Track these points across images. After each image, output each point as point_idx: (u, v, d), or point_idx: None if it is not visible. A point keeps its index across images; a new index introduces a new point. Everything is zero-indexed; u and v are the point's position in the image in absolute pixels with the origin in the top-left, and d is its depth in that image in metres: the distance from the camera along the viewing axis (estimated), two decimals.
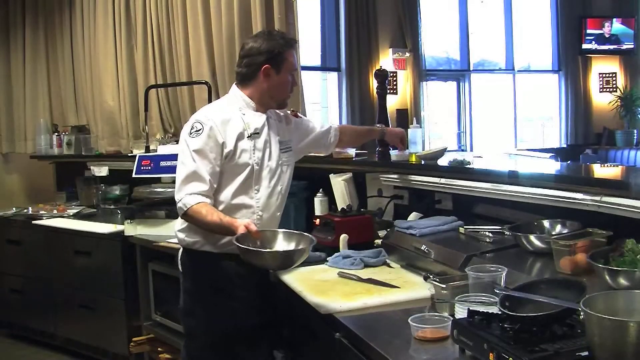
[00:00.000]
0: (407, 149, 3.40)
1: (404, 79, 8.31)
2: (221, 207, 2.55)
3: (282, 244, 2.41)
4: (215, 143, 2.52)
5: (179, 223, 2.65)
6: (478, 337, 1.65)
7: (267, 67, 2.58)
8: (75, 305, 4.65)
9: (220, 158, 2.53)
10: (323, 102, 8.38)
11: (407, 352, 1.82)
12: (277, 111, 2.81)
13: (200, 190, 2.48)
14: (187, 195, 2.48)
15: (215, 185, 2.53)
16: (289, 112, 2.93)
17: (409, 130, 3.52)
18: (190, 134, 2.54)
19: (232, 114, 2.60)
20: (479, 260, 2.32)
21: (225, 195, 2.57)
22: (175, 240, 3.47)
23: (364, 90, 7.95)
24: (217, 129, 2.53)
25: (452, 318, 1.87)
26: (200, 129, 2.53)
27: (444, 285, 2.10)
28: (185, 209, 2.48)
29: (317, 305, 2.31)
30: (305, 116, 4.36)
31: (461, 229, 2.78)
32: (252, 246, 2.30)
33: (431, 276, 2.24)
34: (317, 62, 8.27)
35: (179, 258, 2.72)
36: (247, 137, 2.58)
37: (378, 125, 3.43)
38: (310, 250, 2.41)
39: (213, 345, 2.61)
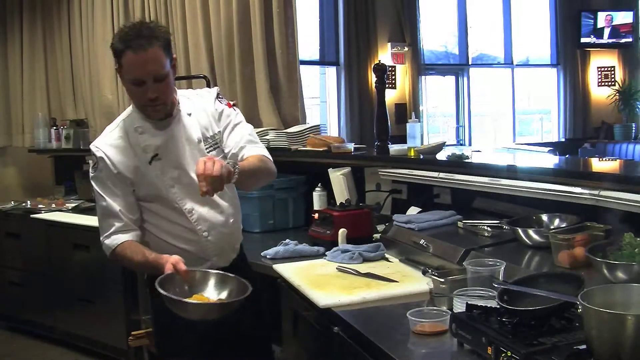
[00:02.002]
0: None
1: (403, 74, 8.30)
2: (165, 239, 2.30)
3: (212, 291, 2.11)
4: (111, 175, 2.24)
5: None
6: (476, 331, 1.65)
7: (117, 68, 2.19)
8: (74, 298, 4.65)
9: (127, 187, 2.25)
10: (322, 96, 8.37)
11: (405, 346, 1.83)
12: (201, 100, 2.38)
13: (117, 228, 2.24)
14: (106, 239, 2.27)
15: (134, 216, 2.27)
16: (219, 97, 2.41)
17: (407, 124, 3.52)
18: (91, 168, 2.30)
19: (124, 138, 2.26)
20: (478, 255, 2.32)
21: (160, 227, 2.31)
22: None
23: (363, 84, 7.94)
24: (108, 160, 2.23)
25: (450, 312, 1.88)
26: (95, 163, 2.26)
27: (442, 280, 2.10)
28: (108, 252, 2.28)
29: (315, 299, 2.31)
30: (305, 113, 4.37)
31: (460, 223, 2.79)
32: (179, 289, 2.04)
33: (430, 270, 2.24)
34: (316, 56, 8.25)
35: (146, 282, 2.49)
36: (148, 163, 2.25)
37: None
38: (243, 301, 2.04)
39: None
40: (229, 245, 2.44)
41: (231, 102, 2.46)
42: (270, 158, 2.40)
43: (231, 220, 2.42)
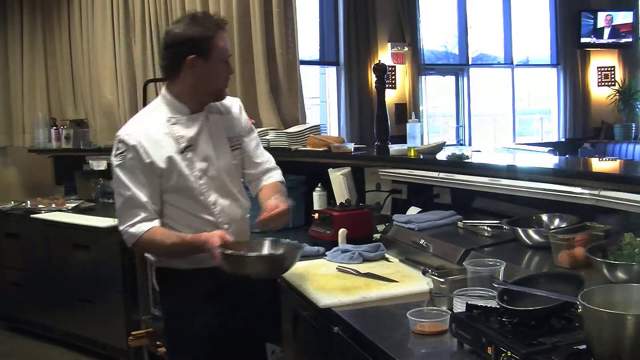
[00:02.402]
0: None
1: (403, 74, 8.30)
2: (182, 229, 2.32)
3: (269, 250, 2.28)
4: (142, 164, 2.24)
5: None
6: (476, 331, 1.65)
7: (193, 58, 2.24)
8: (74, 298, 4.65)
9: (155, 178, 2.26)
10: (322, 96, 8.37)
11: (405, 346, 1.83)
12: (228, 104, 2.49)
13: (142, 217, 2.24)
14: (130, 227, 2.25)
15: (157, 207, 2.28)
16: (233, 102, 2.54)
17: (407, 124, 3.52)
18: (116, 156, 2.27)
19: (158, 128, 2.30)
20: (478, 255, 2.32)
21: (185, 219, 2.33)
22: None
23: (363, 84, 7.94)
24: (142, 148, 2.24)
25: (450, 312, 1.88)
26: (123, 151, 2.25)
27: (442, 280, 2.10)
28: (132, 241, 2.26)
29: (315, 299, 2.31)
30: (305, 113, 4.38)
31: (460, 223, 2.79)
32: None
33: (430, 270, 2.24)
34: (316, 56, 8.25)
35: (154, 278, 2.53)
36: (180, 153, 2.29)
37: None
38: (299, 258, 2.26)
39: None
40: (243, 239, 2.45)
41: (251, 120, 2.65)
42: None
43: (247, 216, 2.53)
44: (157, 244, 2.26)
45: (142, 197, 2.25)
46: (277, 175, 2.61)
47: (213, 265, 2.19)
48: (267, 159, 2.61)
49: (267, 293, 2.66)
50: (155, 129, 2.30)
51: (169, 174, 2.28)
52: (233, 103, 2.52)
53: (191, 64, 2.25)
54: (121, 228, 2.29)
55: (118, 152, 2.27)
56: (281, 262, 2.22)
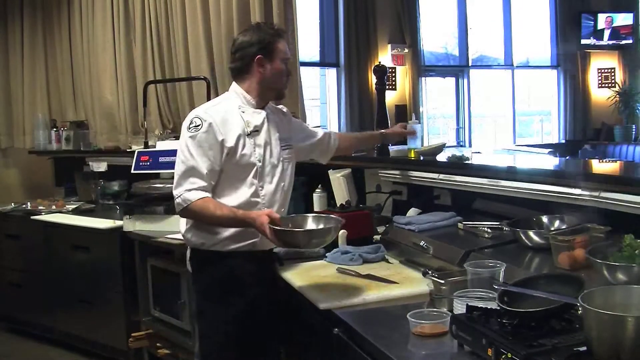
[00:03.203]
0: (414, 134, 3.35)
1: (403, 75, 8.31)
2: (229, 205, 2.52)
3: (312, 225, 2.47)
4: (214, 140, 2.47)
5: (184, 223, 2.61)
6: (476, 333, 1.65)
7: (259, 58, 2.57)
8: (74, 299, 4.65)
9: (220, 156, 2.49)
10: (322, 98, 8.37)
11: (405, 347, 1.83)
12: (278, 108, 2.80)
13: (199, 186, 2.45)
14: (187, 192, 2.45)
15: (213, 183, 2.50)
16: (287, 110, 2.90)
17: (407, 125, 3.52)
18: (189, 129, 2.50)
19: (231, 112, 2.57)
20: (478, 256, 2.32)
21: (230, 193, 2.53)
22: (173, 236, 3.47)
23: (363, 86, 7.95)
24: (217, 126, 2.48)
25: (450, 313, 1.88)
26: (199, 125, 2.49)
27: (442, 281, 2.10)
28: (184, 204, 2.45)
29: (315, 301, 2.31)
30: (305, 114, 4.39)
31: (460, 225, 2.79)
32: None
33: (430, 272, 2.24)
34: (316, 57, 8.26)
35: (188, 259, 2.68)
36: (247, 135, 2.54)
37: (378, 130, 3.36)
38: (339, 229, 2.50)
39: (226, 346, 2.56)
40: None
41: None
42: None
43: (282, 210, 2.67)
44: (209, 212, 2.45)
45: (204, 169, 2.46)
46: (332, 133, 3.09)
47: (246, 247, 2.51)
48: (318, 130, 3.04)
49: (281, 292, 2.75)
50: (228, 112, 2.56)
51: (234, 152, 2.51)
52: (285, 109, 2.85)
53: (259, 63, 2.58)
54: (176, 192, 2.49)
55: (193, 125, 2.50)
56: (324, 235, 2.40)
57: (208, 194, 2.47)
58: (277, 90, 2.68)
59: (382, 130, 3.30)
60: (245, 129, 2.55)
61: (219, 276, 2.56)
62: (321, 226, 2.43)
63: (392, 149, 3.57)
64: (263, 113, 2.63)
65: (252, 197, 2.54)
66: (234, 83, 2.68)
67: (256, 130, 2.57)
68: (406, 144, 3.41)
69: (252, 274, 2.56)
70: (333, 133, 3.06)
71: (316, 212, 2.64)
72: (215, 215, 2.45)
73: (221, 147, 2.48)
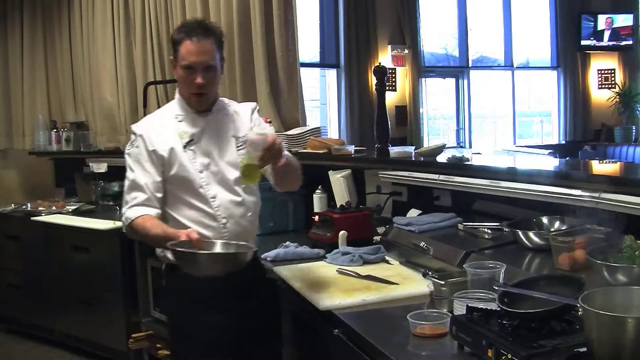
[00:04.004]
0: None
1: (403, 76, 8.31)
2: (185, 224, 2.39)
3: (220, 249, 2.30)
4: (147, 152, 2.40)
5: None
6: (477, 334, 1.65)
7: (172, 59, 2.47)
8: (74, 300, 4.65)
9: (159, 167, 2.40)
10: (322, 98, 8.38)
11: (405, 348, 1.83)
12: (230, 106, 2.59)
13: (140, 201, 2.36)
14: (128, 209, 2.37)
15: (159, 195, 2.40)
16: (250, 107, 2.64)
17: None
18: (128, 145, 2.48)
19: (165, 123, 2.47)
20: (478, 257, 2.32)
21: (183, 207, 2.43)
22: None
23: (363, 86, 7.95)
24: (147, 138, 2.41)
25: (450, 314, 1.88)
26: (133, 139, 2.45)
27: (442, 282, 2.10)
28: (127, 223, 2.37)
29: (316, 302, 2.31)
30: (305, 115, 4.37)
31: (460, 226, 2.78)
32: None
33: (430, 273, 2.25)
34: (316, 58, 8.26)
35: (164, 273, 2.59)
36: (183, 147, 2.42)
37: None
38: (251, 256, 2.24)
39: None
40: (244, 239, 2.46)
41: (267, 120, 2.73)
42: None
43: (249, 214, 2.54)
44: (146, 231, 2.33)
45: (142, 180, 2.39)
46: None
47: None
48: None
49: (273, 296, 2.70)
50: (162, 123, 2.48)
51: (170, 164, 2.41)
52: (245, 108, 2.65)
53: (173, 65, 2.48)
54: (122, 210, 2.43)
55: (130, 141, 2.47)
56: (232, 261, 2.25)
57: (149, 210, 2.36)
58: (188, 98, 2.47)
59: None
60: (180, 141, 2.43)
61: (191, 291, 2.42)
62: (230, 251, 2.27)
63: (392, 150, 3.57)
64: (206, 118, 2.49)
65: (207, 209, 2.42)
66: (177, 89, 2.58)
67: (192, 140, 2.44)
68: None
69: (223, 290, 2.41)
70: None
71: (227, 242, 2.35)
72: (150, 234, 2.32)
73: (155, 157, 2.40)
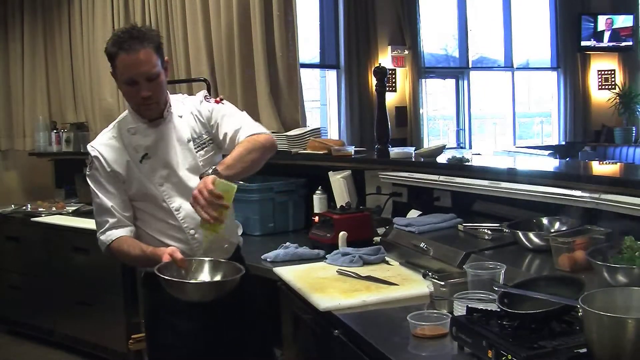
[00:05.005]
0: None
1: (403, 77, 8.31)
2: (156, 237, 2.36)
3: (207, 275, 2.21)
4: (105, 173, 2.32)
5: None
6: (477, 334, 1.65)
7: (111, 73, 2.31)
8: (74, 302, 4.65)
9: (121, 186, 2.33)
10: (322, 99, 8.38)
11: (405, 349, 1.83)
12: (184, 103, 2.45)
13: (111, 224, 2.31)
14: (101, 234, 2.33)
15: (127, 214, 2.34)
16: (206, 98, 2.46)
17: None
18: (87, 167, 2.38)
19: (118, 138, 2.36)
20: (478, 258, 2.32)
21: (150, 221, 2.37)
22: None
23: (363, 87, 7.95)
24: (102, 159, 2.32)
25: (450, 315, 1.88)
26: (90, 161, 2.35)
27: (442, 283, 2.10)
28: (103, 247, 2.35)
29: (316, 303, 2.31)
30: (305, 115, 4.37)
31: (460, 226, 2.78)
32: (177, 276, 2.12)
33: (430, 273, 2.25)
34: (316, 59, 8.26)
35: (141, 282, 2.57)
36: (139, 161, 2.33)
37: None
38: (238, 280, 2.15)
39: None
40: (217, 244, 2.39)
41: (219, 99, 2.49)
42: (265, 131, 2.38)
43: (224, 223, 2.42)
44: (125, 253, 2.31)
45: (108, 202, 2.32)
46: (244, 133, 2.33)
47: None
48: (227, 132, 2.38)
49: (262, 296, 2.65)
50: (116, 139, 2.37)
51: (130, 181, 2.34)
52: (191, 102, 2.46)
53: (113, 77, 2.31)
54: (97, 235, 2.37)
55: (88, 163, 2.38)
56: (219, 289, 2.17)
57: (122, 230, 2.32)
58: (136, 111, 2.34)
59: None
60: (135, 155, 2.33)
61: (164, 298, 2.26)
62: (218, 277, 2.19)
63: (393, 150, 3.57)
64: (159, 127, 2.35)
65: (172, 222, 2.35)
66: None
67: (147, 153, 2.33)
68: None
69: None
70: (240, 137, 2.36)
71: (214, 260, 2.25)
72: (130, 255, 2.30)
73: (115, 177, 2.33)
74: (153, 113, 2.33)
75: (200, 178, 2.13)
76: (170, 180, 2.35)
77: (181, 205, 2.35)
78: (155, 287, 2.33)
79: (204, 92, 2.52)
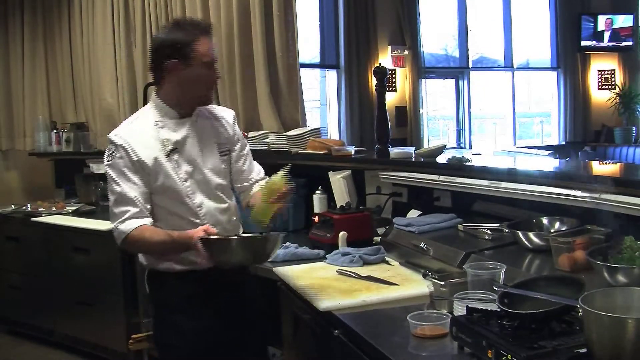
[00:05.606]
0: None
1: (403, 76, 8.31)
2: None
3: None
4: (131, 162, 2.29)
5: None
6: (477, 334, 1.65)
7: (174, 62, 2.29)
8: (75, 302, 4.65)
9: (145, 177, 2.30)
10: (322, 99, 8.37)
11: (405, 349, 1.83)
12: (213, 111, 2.52)
13: (132, 214, 2.28)
14: (120, 224, 2.29)
15: (148, 205, 2.32)
16: (229, 113, 2.58)
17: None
18: (107, 157, 2.35)
19: (146, 131, 2.35)
20: (478, 258, 2.32)
21: (168, 218, 2.36)
22: None
23: (363, 87, 7.95)
24: (130, 149, 2.29)
25: (450, 315, 1.88)
26: (113, 151, 2.32)
27: (442, 283, 2.10)
28: (121, 238, 2.29)
29: (316, 302, 2.31)
30: (305, 116, 4.38)
31: (460, 226, 2.78)
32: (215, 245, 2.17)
33: (430, 273, 2.25)
34: (316, 59, 8.26)
35: (145, 280, 2.52)
36: (166, 155, 2.33)
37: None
38: (280, 244, 2.30)
39: None
40: None
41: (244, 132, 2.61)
42: None
43: (234, 219, 2.50)
44: (145, 241, 2.29)
45: (131, 192, 2.29)
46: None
47: (204, 266, 2.24)
48: (257, 172, 2.62)
49: (262, 297, 2.65)
50: (143, 131, 2.35)
51: (156, 174, 2.32)
52: (227, 113, 2.57)
53: (172, 68, 2.30)
54: (112, 226, 2.34)
55: (108, 152, 2.35)
56: (262, 246, 2.23)
57: (143, 221, 2.29)
58: (199, 98, 2.41)
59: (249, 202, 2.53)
60: (163, 149, 2.33)
61: (170, 296, 2.40)
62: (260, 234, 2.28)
63: (393, 150, 3.57)
64: (187, 123, 2.39)
65: (194, 219, 2.35)
66: (153, 92, 2.47)
67: (176, 148, 2.35)
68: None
69: (209, 293, 2.37)
70: (256, 184, 2.57)
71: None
72: (152, 242, 2.28)
73: (141, 167, 2.30)
74: (211, 99, 2.45)
75: None
76: (194, 176, 2.37)
77: (203, 202, 2.37)
78: (160, 285, 2.41)
79: (234, 113, 2.62)
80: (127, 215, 2.28)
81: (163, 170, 2.32)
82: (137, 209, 2.29)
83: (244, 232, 2.54)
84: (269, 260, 2.39)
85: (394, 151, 3.54)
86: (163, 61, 2.30)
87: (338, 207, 3.35)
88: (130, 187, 2.29)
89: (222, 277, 2.33)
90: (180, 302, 2.37)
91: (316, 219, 3.33)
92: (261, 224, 2.35)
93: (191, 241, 2.18)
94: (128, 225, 2.28)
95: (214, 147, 2.44)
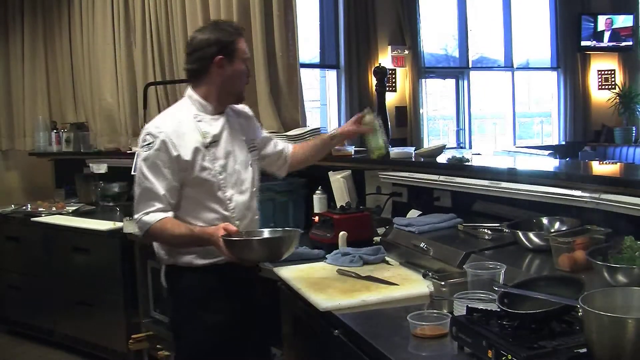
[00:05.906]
0: (370, 130, 2.87)
1: (403, 76, 8.31)
2: (197, 223, 2.40)
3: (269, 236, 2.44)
4: (168, 157, 2.34)
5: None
6: (477, 334, 1.65)
7: (220, 58, 2.41)
8: (74, 302, 4.65)
9: (177, 173, 2.35)
10: (322, 99, 8.38)
11: (405, 349, 1.82)
12: (238, 109, 2.65)
13: (158, 208, 2.34)
14: (144, 215, 2.34)
15: (173, 202, 2.37)
16: (249, 110, 2.74)
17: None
18: (142, 147, 2.38)
19: (186, 123, 2.42)
20: (478, 258, 2.32)
21: (198, 210, 2.42)
22: None
23: (363, 87, 7.95)
24: (170, 142, 2.34)
25: (450, 315, 1.88)
26: (151, 143, 2.35)
27: (442, 283, 2.10)
28: (145, 229, 2.35)
29: (316, 302, 2.31)
30: (305, 116, 4.38)
31: (460, 226, 2.78)
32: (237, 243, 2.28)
33: (430, 273, 2.24)
34: (316, 59, 8.26)
35: (163, 274, 2.57)
36: (205, 147, 2.40)
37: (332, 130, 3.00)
38: (298, 241, 2.40)
39: None
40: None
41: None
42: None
43: (256, 217, 2.62)
44: (167, 233, 2.35)
45: (161, 190, 2.34)
46: (291, 146, 2.89)
47: (221, 261, 2.35)
48: (275, 144, 2.82)
49: (263, 297, 2.68)
50: (182, 124, 2.42)
51: (193, 166, 2.38)
52: (245, 108, 2.70)
53: (218, 64, 2.42)
54: (136, 216, 2.39)
55: (145, 144, 2.37)
56: (279, 245, 2.35)
57: (167, 214, 2.35)
58: (237, 93, 2.53)
59: (331, 132, 2.94)
60: (202, 141, 2.41)
61: (192, 291, 2.45)
62: (277, 235, 2.42)
63: (392, 150, 3.57)
64: (222, 119, 2.50)
65: (223, 211, 2.43)
66: (189, 88, 2.53)
67: (215, 141, 2.44)
68: (366, 143, 3.00)
69: (226, 288, 2.44)
70: (286, 152, 2.82)
71: (272, 229, 2.56)
72: (173, 234, 2.34)
73: (177, 163, 2.35)
74: (244, 97, 2.58)
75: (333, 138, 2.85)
76: (227, 170, 2.46)
77: (233, 196, 2.46)
78: (179, 279, 2.48)
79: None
80: (153, 209, 2.35)
81: (199, 162, 2.39)
82: (163, 205, 2.36)
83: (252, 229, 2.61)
84: (285, 257, 2.46)
85: (394, 151, 3.54)
86: (208, 58, 2.41)
87: (338, 207, 3.35)
88: (160, 183, 2.35)
89: (240, 274, 2.43)
90: (202, 296, 2.44)
91: (316, 219, 3.33)
92: (382, 152, 2.91)
93: (212, 238, 2.28)
94: (152, 218, 2.34)
95: (243, 143, 2.56)
